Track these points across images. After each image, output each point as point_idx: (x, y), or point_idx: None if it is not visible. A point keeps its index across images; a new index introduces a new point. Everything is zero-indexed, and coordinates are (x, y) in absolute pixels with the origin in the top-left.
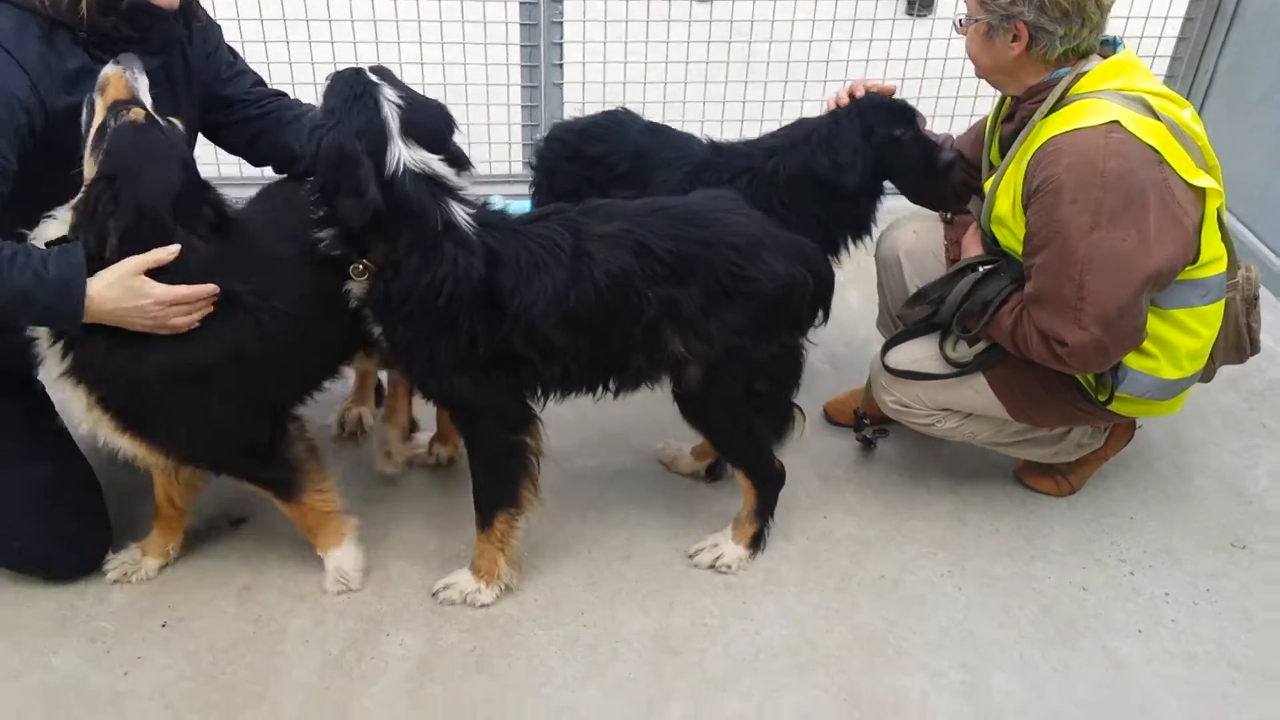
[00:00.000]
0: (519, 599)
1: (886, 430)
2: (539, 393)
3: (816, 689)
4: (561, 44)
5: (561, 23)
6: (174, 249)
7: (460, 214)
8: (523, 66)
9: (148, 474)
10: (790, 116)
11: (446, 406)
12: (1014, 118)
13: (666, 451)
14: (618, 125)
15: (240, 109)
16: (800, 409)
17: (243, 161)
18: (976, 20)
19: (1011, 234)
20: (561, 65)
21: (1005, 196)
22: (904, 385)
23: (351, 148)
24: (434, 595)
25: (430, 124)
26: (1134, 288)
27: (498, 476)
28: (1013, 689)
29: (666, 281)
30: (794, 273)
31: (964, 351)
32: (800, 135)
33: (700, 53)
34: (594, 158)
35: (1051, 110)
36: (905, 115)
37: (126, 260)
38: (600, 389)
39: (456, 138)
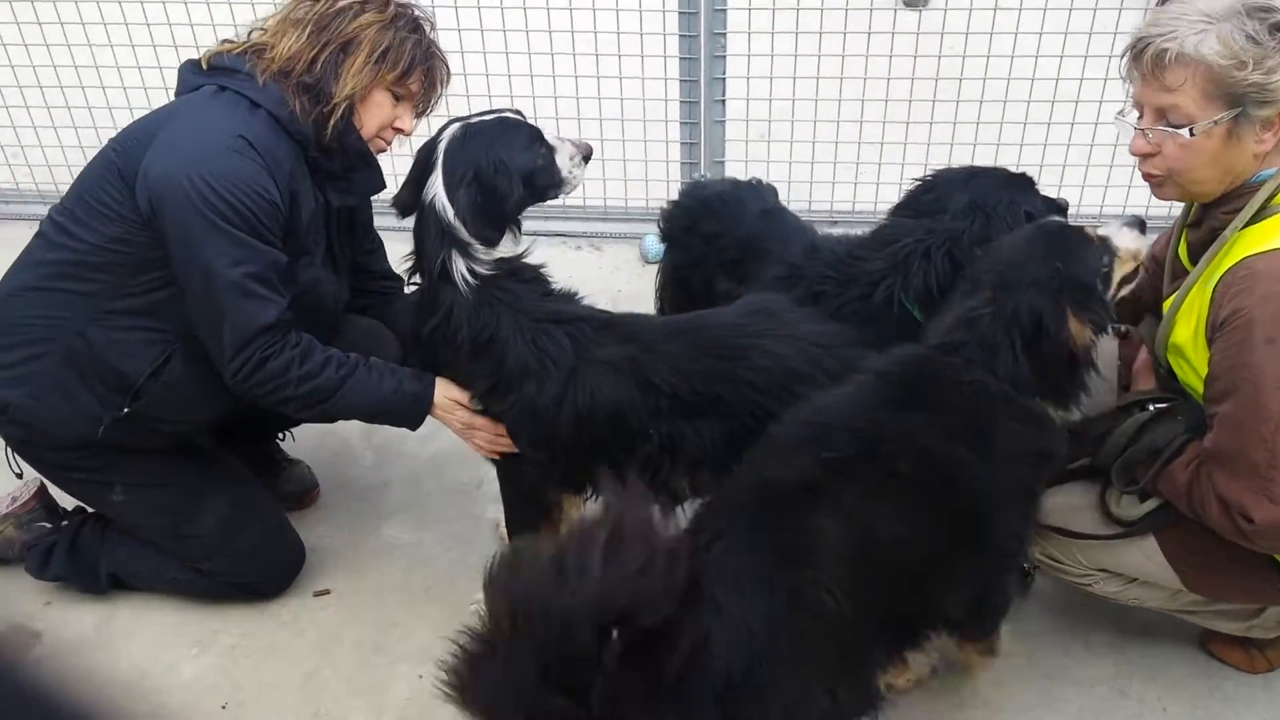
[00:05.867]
0: None
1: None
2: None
3: None
4: (724, 79)
5: (724, 56)
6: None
7: (460, 269)
8: (681, 103)
9: None
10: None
11: None
12: (1201, 224)
13: None
14: (738, 202)
15: (367, 280)
16: None
17: None
18: (1215, 122)
19: (1191, 369)
20: (724, 101)
21: (1186, 322)
22: (1055, 540)
23: (419, 157)
24: None
25: (487, 181)
26: None
27: (516, 514)
28: None
29: (675, 416)
30: None
31: (1130, 507)
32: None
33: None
34: (708, 235)
35: (1251, 221)
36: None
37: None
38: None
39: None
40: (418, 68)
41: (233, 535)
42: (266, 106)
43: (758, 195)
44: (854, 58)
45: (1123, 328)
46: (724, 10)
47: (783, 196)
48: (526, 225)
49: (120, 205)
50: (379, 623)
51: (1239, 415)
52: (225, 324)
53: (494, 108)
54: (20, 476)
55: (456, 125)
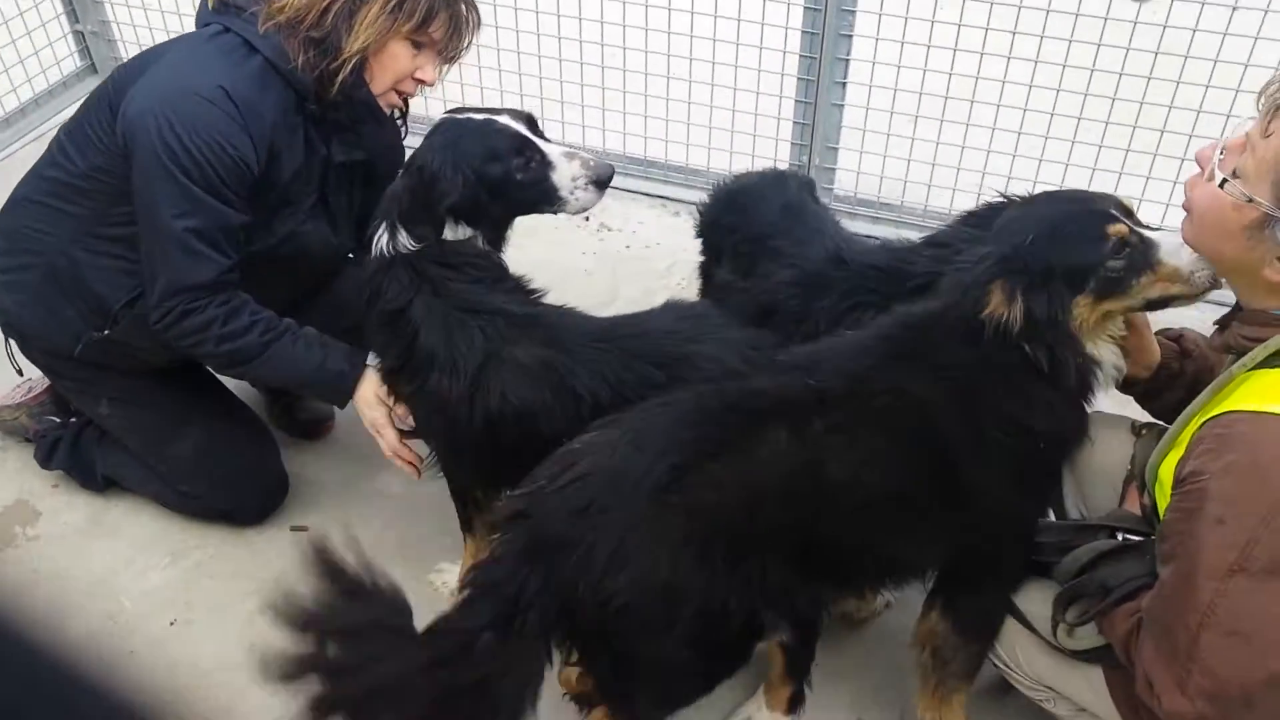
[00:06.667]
0: None
1: None
2: None
3: None
4: (848, 60)
5: (851, 36)
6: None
7: (383, 240)
8: (799, 79)
9: None
10: None
11: None
12: (1224, 330)
13: None
14: (759, 195)
15: None
16: None
17: None
18: (1250, 199)
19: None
20: (845, 84)
21: (1174, 454)
22: (1010, 636)
23: None
24: None
25: (426, 177)
26: (1270, 672)
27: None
28: None
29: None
30: None
31: (1076, 638)
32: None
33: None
34: (727, 228)
35: (1263, 363)
36: None
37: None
38: None
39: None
40: (438, 14)
41: (211, 462)
42: (264, 52)
43: (781, 188)
44: (994, 57)
45: (1141, 428)
46: None
47: (896, 196)
48: (628, 183)
49: (104, 135)
50: None
51: (1173, 590)
52: (160, 271)
53: (502, 107)
54: (20, 374)
55: (447, 113)
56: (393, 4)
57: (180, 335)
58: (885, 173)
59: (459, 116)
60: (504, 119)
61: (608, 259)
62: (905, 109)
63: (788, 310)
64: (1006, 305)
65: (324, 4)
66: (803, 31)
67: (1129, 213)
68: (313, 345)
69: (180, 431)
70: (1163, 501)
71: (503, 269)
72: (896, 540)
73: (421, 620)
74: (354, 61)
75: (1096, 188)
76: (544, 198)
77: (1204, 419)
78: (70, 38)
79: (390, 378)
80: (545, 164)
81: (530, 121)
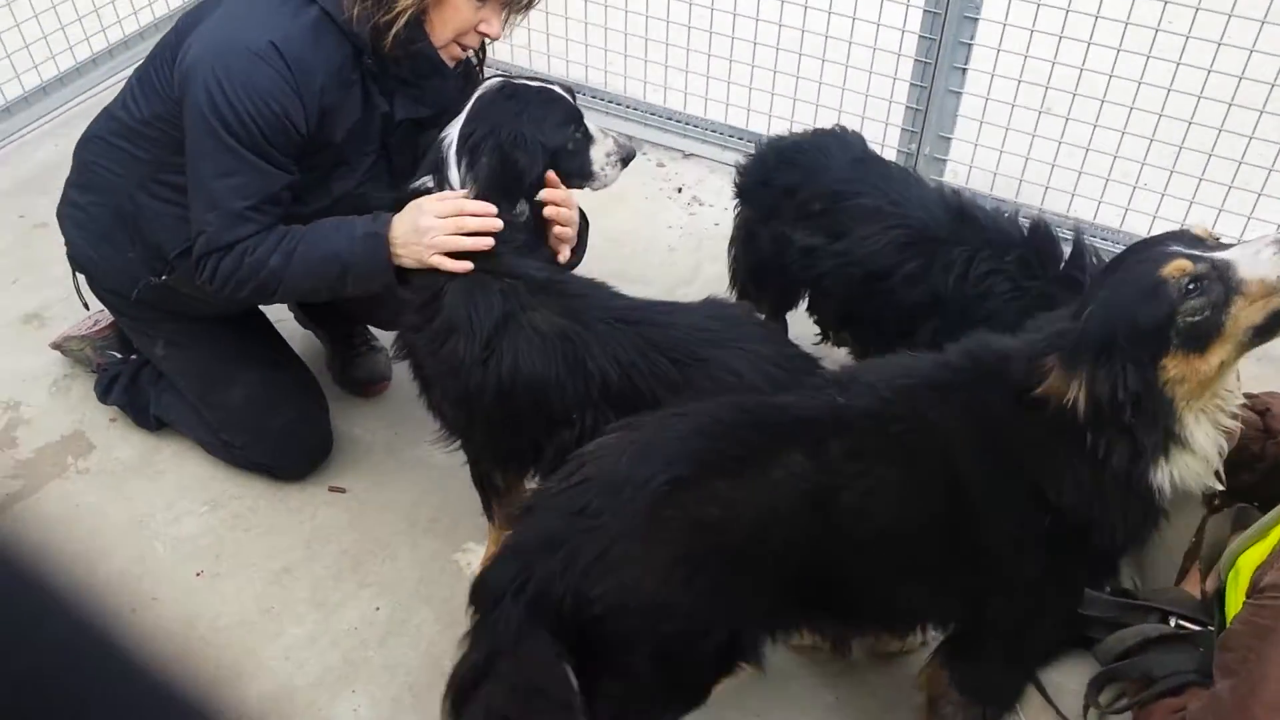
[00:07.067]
0: None
1: None
2: None
3: None
4: (971, 44)
5: (977, 19)
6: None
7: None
8: (916, 61)
9: None
10: None
11: None
12: None
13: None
14: (822, 150)
15: None
16: None
17: None
18: None
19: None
20: (965, 70)
21: (1260, 548)
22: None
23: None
24: None
25: (507, 152)
26: None
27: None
28: None
29: (604, 405)
30: None
31: None
32: None
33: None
34: (785, 188)
35: None
36: None
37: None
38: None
39: None
40: None
41: (257, 414)
42: (322, 3)
43: (843, 144)
44: (1131, 54)
45: (1215, 498)
46: None
47: (1009, 194)
48: (727, 156)
49: (165, 84)
50: (372, 538)
51: (1228, 710)
52: (201, 226)
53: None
54: (87, 306)
55: (496, 79)
56: None
57: (218, 286)
58: (1000, 169)
59: (516, 83)
60: (557, 88)
61: (694, 234)
62: (1028, 102)
63: (904, 274)
64: (1066, 385)
65: None
66: (924, 10)
67: (1198, 240)
68: (329, 234)
69: (232, 379)
70: (1234, 596)
71: (537, 239)
72: (903, 584)
73: (439, 595)
74: (410, 13)
75: (1233, 206)
76: (579, 171)
77: None
78: None
79: (409, 336)
80: (589, 138)
81: (571, 94)
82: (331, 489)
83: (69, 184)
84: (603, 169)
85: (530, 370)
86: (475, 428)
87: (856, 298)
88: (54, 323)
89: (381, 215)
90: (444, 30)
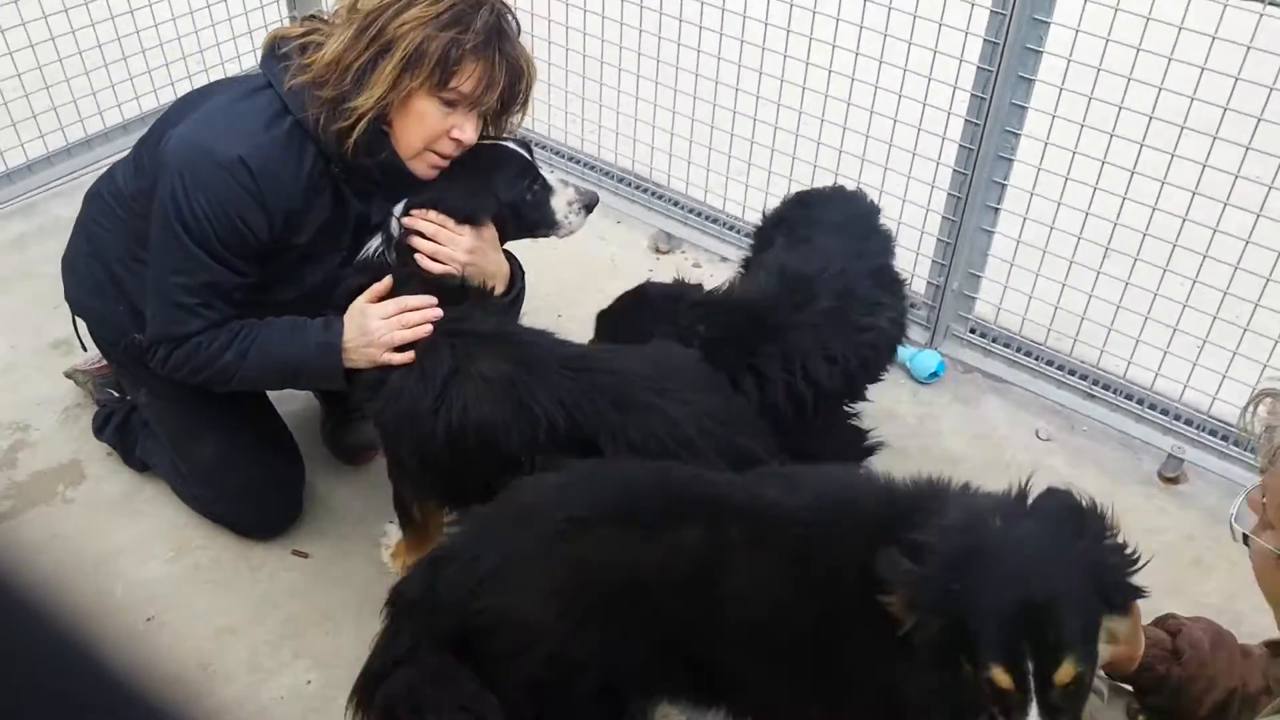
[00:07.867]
0: None
1: None
2: None
3: None
4: (1004, 185)
5: (1011, 160)
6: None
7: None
8: (948, 195)
9: None
10: None
11: None
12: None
13: None
14: (831, 201)
15: None
16: None
17: None
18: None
19: None
20: (998, 210)
21: None
22: None
23: None
24: None
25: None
26: None
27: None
28: None
29: (551, 448)
30: None
31: None
32: None
33: None
34: (789, 222)
35: None
36: None
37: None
38: None
39: None
40: (463, 68)
41: (224, 471)
42: (295, 114)
43: (853, 201)
44: (1165, 215)
45: (1137, 709)
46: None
47: (1038, 337)
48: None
49: (150, 165)
50: (320, 609)
51: None
52: (151, 314)
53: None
54: (85, 349)
55: None
56: (408, 59)
57: (169, 372)
58: (1029, 315)
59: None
60: (511, 144)
61: None
62: (1060, 250)
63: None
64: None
65: (346, 63)
66: (960, 145)
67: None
68: (284, 338)
69: (203, 434)
70: None
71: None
72: (764, 680)
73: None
74: (367, 120)
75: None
76: (544, 221)
77: None
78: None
79: (366, 393)
80: (546, 189)
81: (529, 149)
82: (295, 552)
83: (74, 231)
84: (566, 217)
85: (479, 415)
86: (430, 472)
87: None
88: (78, 352)
89: (334, 323)
90: (412, 139)
